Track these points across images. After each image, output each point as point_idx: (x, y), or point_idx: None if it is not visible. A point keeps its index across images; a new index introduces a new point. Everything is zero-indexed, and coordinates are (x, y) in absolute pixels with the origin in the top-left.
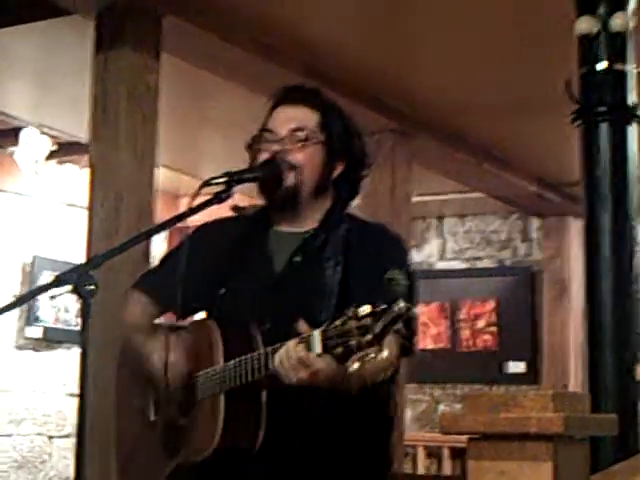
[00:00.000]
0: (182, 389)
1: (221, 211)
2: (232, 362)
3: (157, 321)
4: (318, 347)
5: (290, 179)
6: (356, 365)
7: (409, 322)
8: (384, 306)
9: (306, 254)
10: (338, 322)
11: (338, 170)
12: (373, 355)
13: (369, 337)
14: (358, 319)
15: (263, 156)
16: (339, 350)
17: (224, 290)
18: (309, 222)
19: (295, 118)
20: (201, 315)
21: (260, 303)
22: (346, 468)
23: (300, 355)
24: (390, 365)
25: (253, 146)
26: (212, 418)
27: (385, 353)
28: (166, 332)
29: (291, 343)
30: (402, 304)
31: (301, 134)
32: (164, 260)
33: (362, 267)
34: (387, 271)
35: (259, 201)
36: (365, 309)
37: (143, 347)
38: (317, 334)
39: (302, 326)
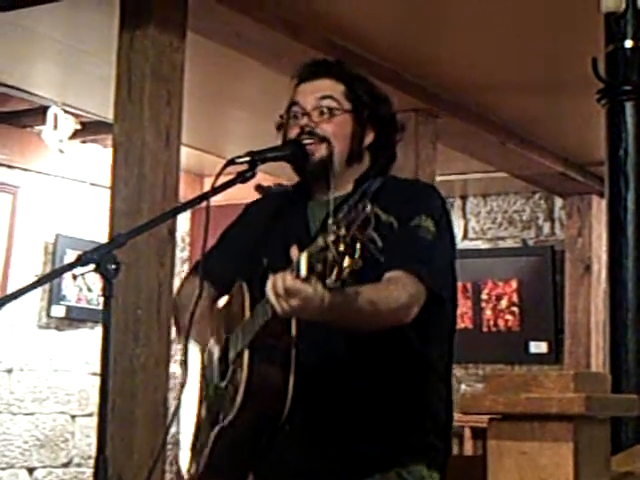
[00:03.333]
0: (219, 352)
1: (244, 191)
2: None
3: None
4: (303, 270)
5: (321, 151)
6: (334, 276)
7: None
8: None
9: None
10: (320, 241)
11: (369, 137)
12: (348, 262)
13: (342, 247)
14: (334, 232)
15: (293, 131)
16: (320, 268)
17: (266, 260)
18: (347, 188)
19: (320, 90)
20: None
21: None
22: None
23: (286, 280)
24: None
25: (283, 125)
26: (237, 378)
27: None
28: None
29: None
30: (368, 206)
31: (327, 105)
32: (217, 242)
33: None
34: (413, 218)
35: (282, 180)
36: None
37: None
38: (303, 256)
39: (294, 252)
